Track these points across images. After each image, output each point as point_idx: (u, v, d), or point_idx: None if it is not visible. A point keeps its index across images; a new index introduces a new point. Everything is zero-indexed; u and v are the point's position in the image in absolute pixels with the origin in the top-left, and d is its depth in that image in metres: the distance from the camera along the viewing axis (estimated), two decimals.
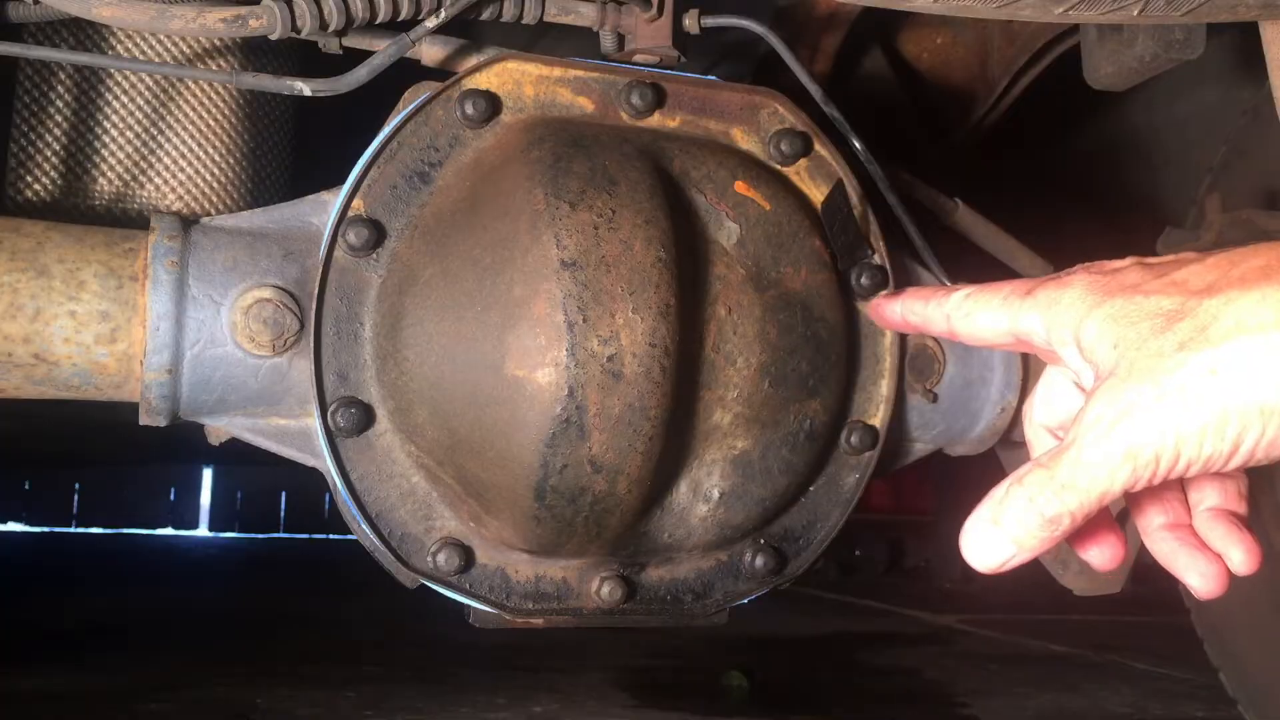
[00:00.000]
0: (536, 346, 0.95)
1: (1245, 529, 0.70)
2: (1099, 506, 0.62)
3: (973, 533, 0.64)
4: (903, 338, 1.20)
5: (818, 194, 1.16)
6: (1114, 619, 4.00)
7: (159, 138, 1.20)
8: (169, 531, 7.74)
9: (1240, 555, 0.68)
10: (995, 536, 0.63)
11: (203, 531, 7.83)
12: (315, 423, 1.04)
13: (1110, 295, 0.64)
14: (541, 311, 0.95)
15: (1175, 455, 0.60)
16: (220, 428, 1.07)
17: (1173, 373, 0.59)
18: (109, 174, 1.18)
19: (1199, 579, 0.68)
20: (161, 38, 1.19)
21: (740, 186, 1.08)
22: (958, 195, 1.43)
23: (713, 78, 1.15)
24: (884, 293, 0.81)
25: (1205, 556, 0.69)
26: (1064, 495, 0.61)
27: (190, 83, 1.20)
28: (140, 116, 1.19)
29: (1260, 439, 0.59)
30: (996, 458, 1.47)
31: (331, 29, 1.07)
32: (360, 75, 1.06)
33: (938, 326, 0.77)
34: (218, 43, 1.21)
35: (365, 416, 1.04)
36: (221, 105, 1.22)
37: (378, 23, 1.09)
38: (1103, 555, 0.72)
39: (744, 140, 1.15)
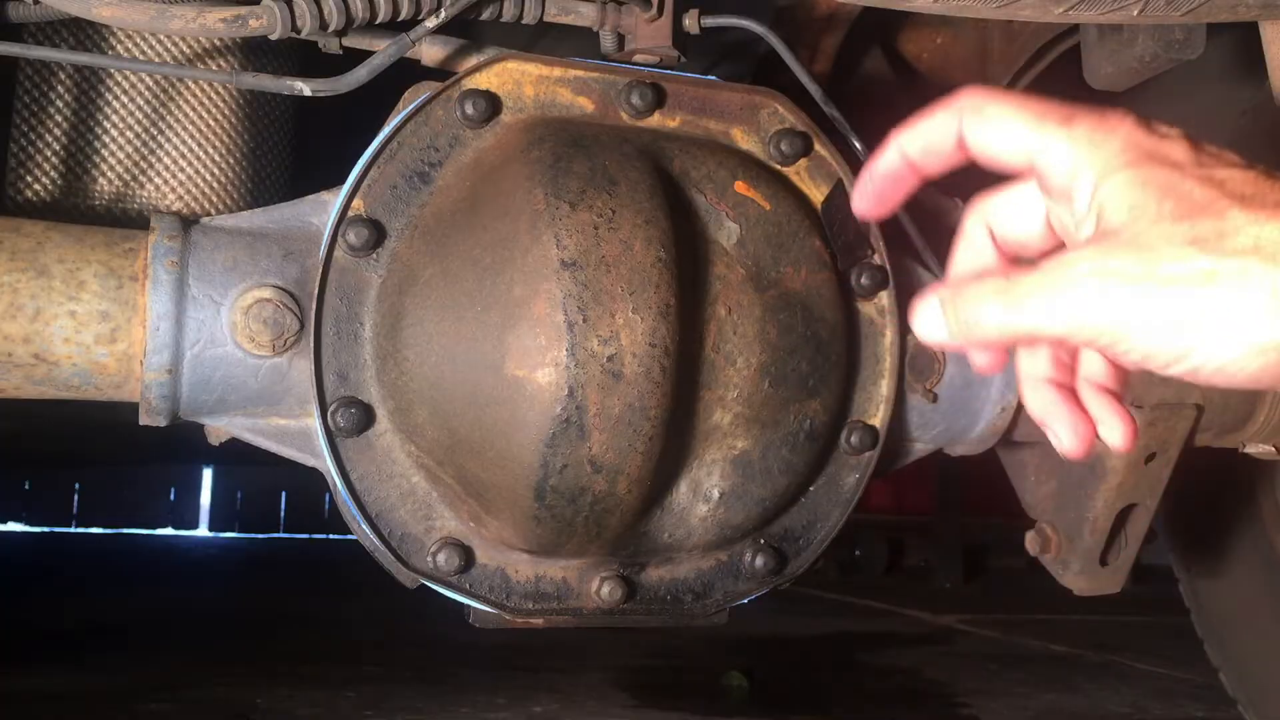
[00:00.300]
0: (536, 346, 0.95)
1: (1125, 409, 0.71)
2: (1027, 341, 0.64)
3: (924, 304, 0.66)
4: (903, 337, 1.20)
5: (818, 194, 1.16)
6: (1114, 619, 4.00)
7: (159, 138, 1.20)
8: (169, 531, 7.74)
9: (1118, 432, 0.69)
10: (938, 317, 0.65)
11: (203, 531, 7.83)
12: (315, 423, 1.04)
13: (1149, 163, 0.62)
14: (541, 311, 0.95)
15: (1123, 338, 0.59)
16: (220, 428, 1.07)
17: (1172, 261, 0.58)
18: (109, 174, 1.18)
19: (1071, 437, 0.69)
20: (161, 38, 1.19)
21: (740, 186, 1.08)
22: (958, 195, 1.43)
23: (713, 78, 1.15)
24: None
25: (1082, 418, 0.70)
26: (1005, 314, 0.62)
27: (190, 83, 1.20)
28: (140, 116, 1.19)
29: (1209, 361, 0.58)
30: (996, 458, 1.48)
31: (331, 29, 1.07)
32: (360, 75, 1.06)
33: (943, 134, 0.70)
34: (218, 43, 1.21)
35: (365, 416, 1.04)
36: (221, 105, 1.22)
37: (378, 23, 1.09)
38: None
39: (744, 140, 1.15)
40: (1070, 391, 0.71)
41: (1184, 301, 0.57)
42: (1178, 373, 0.59)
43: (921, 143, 0.72)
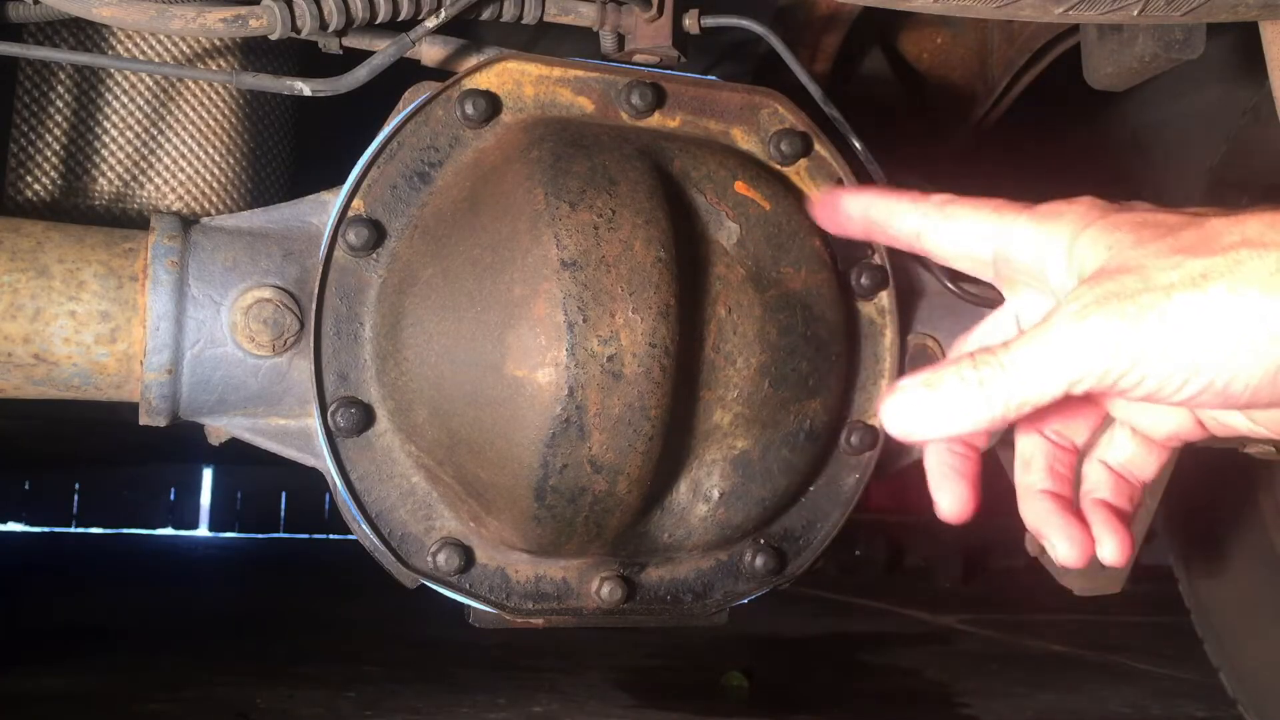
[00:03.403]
0: (536, 346, 0.95)
1: (1127, 526, 0.69)
2: (1048, 399, 0.58)
3: (902, 394, 0.61)
4: (903, 337, 1.20)
5: (818, 194, 1.16)
6: (1114, 619, 4.00)
7: (159, 138, 1.20)
8: (169, 531, 7.74)
9: (1113, 545, 0.67)
10: (926, 402, 0.60)
11: (203, 531, 7.82)
12: (315, 423, 1.04)
13: (1116, 213, 0.61)
14: (541, 311, 0.95)
15: (1133, 364, 0.56)
16: (220, 428, 1.07)
17: (1165, 271, 0.56)
18: (109, 174, 1.18)
19: (1069, 548, 0.67)
20: (161, 38, 1.19)
21: (740, 186, 1.08)
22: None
23: (713, 78, 1.15)
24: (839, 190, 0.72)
25: (1080, 529, 0.67)
26: (1015, 375, 0.58)
27: (190, 83, 1.20)
28: (140, 116, 1.19)
29: (1225, 365, 0.55)
30: (997, 458, 1.47)
31: (331, 29, 1.07)
32: (360, 75, 1.06)
33: (904, 224, 0.69)
34: (218, 43, 1.21)
35: (365, 416, 1.04)
36: (221, 105, 1.22)
37: (378, 23, 1.09)
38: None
39: (744, 140, 1.15)
40: (1066, 502, 0.69)
41: (1186, 308, 0.55)
42: (1194, 393, 0.56)
43: (881, 216, 0.71)
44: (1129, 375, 0.56)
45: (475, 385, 0.98)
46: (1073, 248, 0.61)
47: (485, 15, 1.14)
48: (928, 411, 0.60)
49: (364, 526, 1.05)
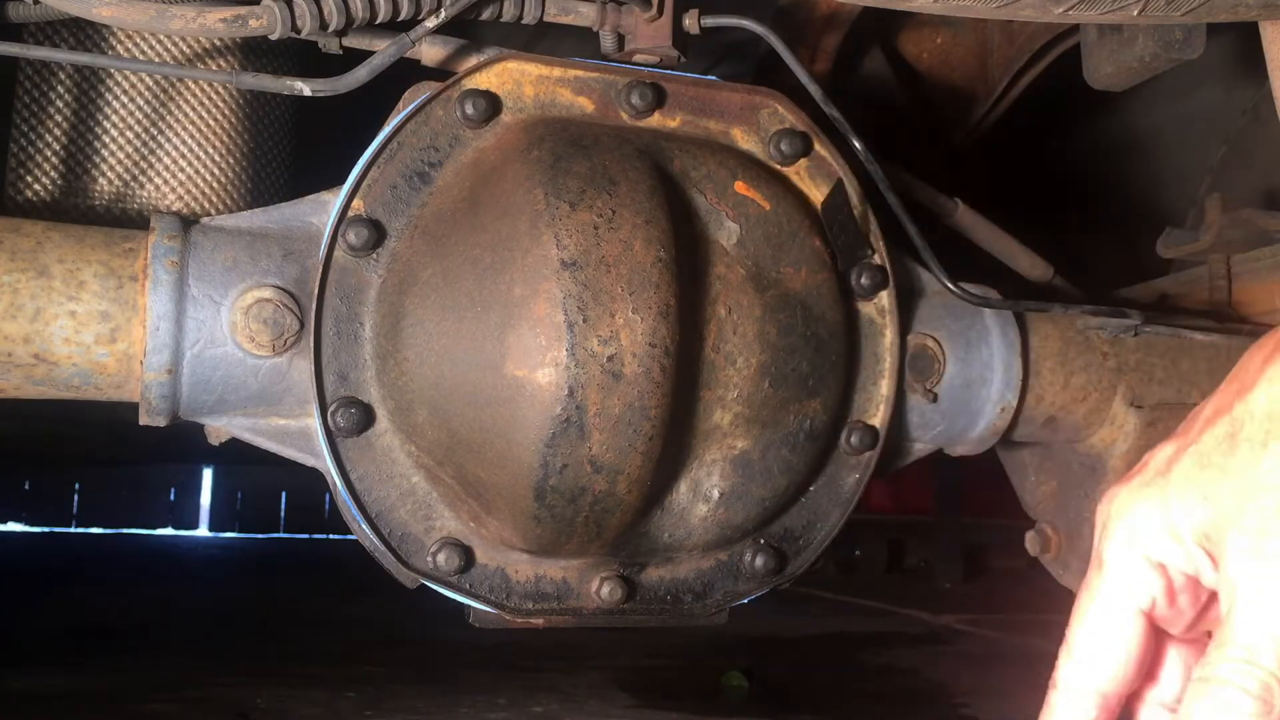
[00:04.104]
0: (536, 346, 0.95)
1: None
2: None
3: None
4: (903, 338, 1.20)
5: (818, 194, 1.16)
6: None
7: (159, 138, 1.20)
8: (169, 531, 7.74)
9: None
10: None
11: (203, 531, 7.82)
12: (315, 423, 1.04)
13: (1166, 458, 0.59)
14: (541, 311, 0.95)
15: None
16: (220, 428, 1.07)
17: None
18: (109, 174, 1.18)
19: None
20: (161, 38, 1.19)
21: (740, 186, 1.08)
22: (958, 195, 1.43)
23: (713, 78, 1.15)
24: None
25: None
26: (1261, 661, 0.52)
27: (190, 83, 1.20)
28: (140, 116, 1.19)
29: None
30: (996, 458, 1.48)
31: (331, 29, 1.07)
32: (360, 75, 1.06)
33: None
34: (218, 43, 1.21)
35: (365, 416, 1.04)
36: (221, 105, 1.22)
37: (378, 23, 1.09)
38: None
39: (744, 140, 1.15)
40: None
41: None
42: None
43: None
44: None
45: (475, 385, 0.98)
46: (1175, 521, 0.58)
47: (485, 15, 1.14)
48: None
49: (364, 526, 1.05)
